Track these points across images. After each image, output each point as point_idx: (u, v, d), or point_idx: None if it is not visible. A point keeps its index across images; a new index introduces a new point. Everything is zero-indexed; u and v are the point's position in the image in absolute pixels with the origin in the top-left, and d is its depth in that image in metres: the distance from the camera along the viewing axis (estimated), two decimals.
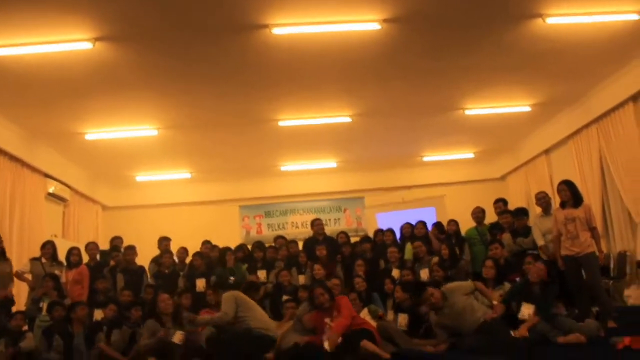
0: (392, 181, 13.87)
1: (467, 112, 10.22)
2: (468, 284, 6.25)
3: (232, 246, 8.99)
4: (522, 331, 5.54)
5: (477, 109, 10.15)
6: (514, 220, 7.75)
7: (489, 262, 6.76)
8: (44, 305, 7.10)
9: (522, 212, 7.89)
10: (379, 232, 9.12)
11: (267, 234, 13.24)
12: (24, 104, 8.39)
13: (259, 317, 5.87)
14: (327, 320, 5.97)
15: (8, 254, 7.81)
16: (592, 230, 6.55)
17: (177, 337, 5.89)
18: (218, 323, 5.62)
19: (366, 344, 5.57)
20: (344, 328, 5.78)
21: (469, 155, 13.34)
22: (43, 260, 7.93)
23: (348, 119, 9.99)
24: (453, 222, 8.71)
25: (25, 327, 6.89)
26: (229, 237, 9.97)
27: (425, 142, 12.27)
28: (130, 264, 8.36)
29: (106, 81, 7.80)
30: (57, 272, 7.78)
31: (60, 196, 10.92)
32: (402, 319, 6.66)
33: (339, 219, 13.71)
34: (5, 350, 6.20)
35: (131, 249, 8.47)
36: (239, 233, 13.42)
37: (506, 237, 7.58)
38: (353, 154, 12.47)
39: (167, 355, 5.69)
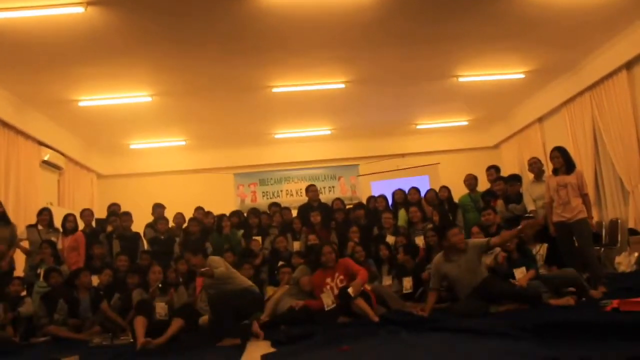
0: (386, 149, 13.91)
1: (461, 79, 10.22)
2: (483, 240, 6.04)
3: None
4: (521, 281, 5.79)
5: (471, 76, 10.15)
6: (506, 186, 7.81)
7: (475, 229, 6.85)
8: (41, 271, 7.14)
9: (514, 179, 7.92)
10: (371, 198, 9.22)
11: (262, 202, 13.17)
12: (16, 69, 8.32)
13: (244, 278, 5.94)
14: (328, 280, 6.22)
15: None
16: (584, 196, 6.61)
17: (160, 308, 5.88)
18: (220, 277, 5.68)
19: (360, 302, 5.71)
20: (365, 280, 6.04)
21: (463, 123, 13.38)
22: (39, 227, 7.98)
23: (342, 86, 9.98)
24: (445, 189, 8.78)
25: (24, 293, 6.98)
26: (223, 205, 9.99)
27: (419, 110, 12.30)
28: (126, 231, 8.40)
29: (99, 47, 7.74)
30: (53, 238, 7.83)
31: (55, 164, 10.92)
32: (407, 282, 6.80)
33: (333, 187, 13.74)
34: (4, 315, 6.27)
35: (127, 215, 8.50)
36: (234, 201, 13.43)
37: (499, 203, 7.65)
38: (347, 121, 12.49)
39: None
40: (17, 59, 7.95)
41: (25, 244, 7.90)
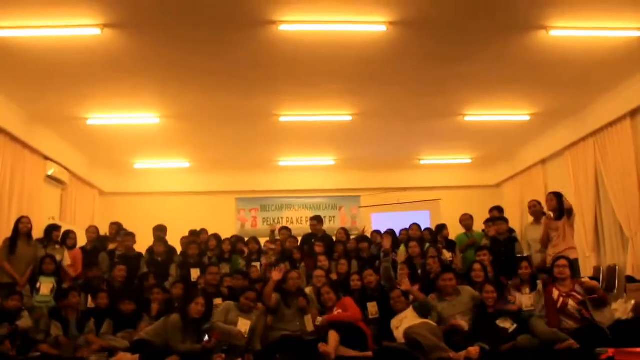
0: (388, 182, 13.92)
1: (467, 118, 10.29)
2: (477, 295, 6.31)
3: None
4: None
5: (477, 115, 10.23)
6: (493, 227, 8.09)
7: (477, 266, 6.87)
8: (40, 285, 7.15)
9: (500, 219, 8.21)
10: (376, 234, 9.20)
11: (262, 228, 13.33)
12: (28, 86, 8.42)
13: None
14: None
15: (5, 233, 7.86)
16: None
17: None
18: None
19: (322, 346, 5.62)
20: (345, 318, 6.07)
21: (466, 160, 13.41)
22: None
23: (348, 118, 10.06)
24: (445, 227, 8.86)
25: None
26: (224, 228, 9.99)
27: (423, 145, 12.35)
28: (129, 251, 8.40)
29: (111, 68, 7.84)
30: (58, 255, 7.69)
31: (59, 179, 10.96)
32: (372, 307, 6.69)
33: (334, 216, 13.75)
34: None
35: (131, 236, 8.53)
36: (234, 225, 13.45)
37: None
38: (351, 152, 12.54)
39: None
40: (30, 76, 8.04)
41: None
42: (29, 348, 6.34)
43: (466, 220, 8.72)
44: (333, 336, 5.69)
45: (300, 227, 11.81)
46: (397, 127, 10.86)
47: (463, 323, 5.93)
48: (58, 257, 7.60)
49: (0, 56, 7.36)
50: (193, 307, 5.84)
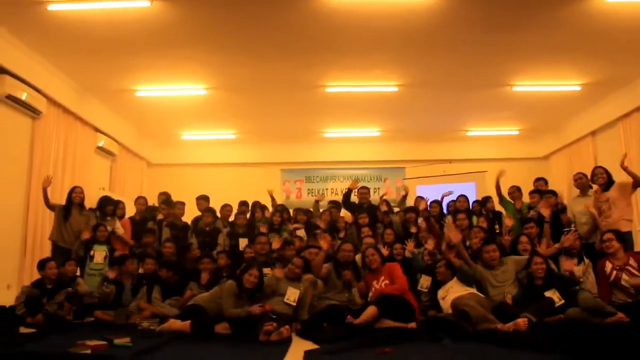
0: (434, 153, 13.84)
1: (515, 88, 10.12)
2: (524, 258, 6.23)
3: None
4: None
5: (525, 85, 10.05)
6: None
7: (523, 238, 6.75)
8: (94, 252, 7.39)
9: (550, 192, 8.04)
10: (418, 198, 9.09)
11: (307, 199, 13.41)
12: (79, 58, 8.60)
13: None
14: (374, 283, 6.29)
15: (59, 202, 8.08)
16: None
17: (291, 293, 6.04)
18: None
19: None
20: (392, 291, 6.04)
21: (514, 132, 13.24)
22: (97, 213, 8.04)
23: (395, 89, 10.00)
24: (490, 199, 8.79)
25: (77, 272, 7.20)
26: (269, 199, 10.05)
27: (470, 117, 12.23)
28: (177, 220, 8.54)
29: (160, 39, 7.94)
30: (109, 226, 7.82)
31: (109, 150, 11.23)
32: (425, 280, 6.65)
33: (379, 188, 13.67)
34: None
35: (181, 204, 8.66)
36: (279, 196, 13.42)
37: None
38: (397, 123, 12.49)
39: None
40: (82, 49, 8.20)
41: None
42: (84, 314, 6.60)
43: (513, 192, 8.60)
44: (370, 310, 5.68)
45: None
46: (444, 98, 10.76)
47: (509, 297, 5.87)
48: (109, 227, 7.77)
49: (53, 29, 7.54)
50: (246, 277, 5.87)
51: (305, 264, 6.32)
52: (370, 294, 6.27)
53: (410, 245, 7.29)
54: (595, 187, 7.52)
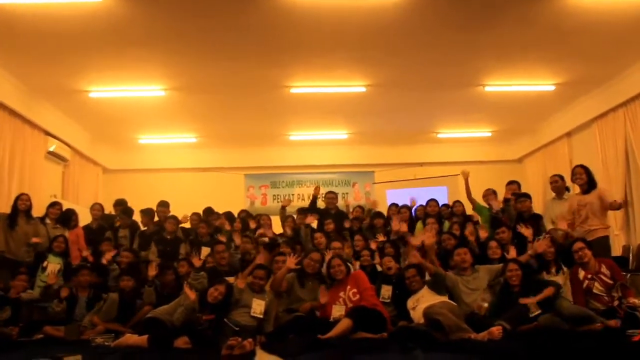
0: (404, 157, 13.65)
1: (487, 88, 9.86)
2: (497, 267, 6.18)
3: None
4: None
5: (498, 85, 9.78)
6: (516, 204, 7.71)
7: (493, 243, 6.65)
8: (47, 264, 7.15)
9: (523, 196, 7.80)
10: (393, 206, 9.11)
11: (272, 205, 13.15)
12: (26, 57, 8.13)
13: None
14: (340, 294, 6.05)
15: (5, 211, 7.77)
16: (611, 204, 6.90)
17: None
18: None
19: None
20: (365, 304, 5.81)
21: (486, 134, 13.09)
22: (47, 220, 7.86)
23: (362, 89, 9.69)
24: (459, 203, 8.68)
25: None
26: (232, 206, 9.71)
27: (441, 118, 11.99)
28: (169, 234, 8.22)
29: (114, 38, 7.53)
30: (59, 234, 7.65)
31: (61, 155, 10.70)
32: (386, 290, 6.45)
33: (347, 193, 13.44)
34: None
35: (174, 219, 8.39)
36: (243, 202, 13.17)
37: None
38: (365, 125, 12.20)
39: None
40: (29, 46, 7.74)
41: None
42: (32, 330, 6.21)
43: (488, 195, 8.34)
44: (344, 323, 5.38)
45: None
46: (414, 98, 10.50)
47: (485, 305, 5.74)
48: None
49: None
50: (211, 291, 5.67)
51: (267, 275, 6.20)
52: (339, 307, 5.97)
53: (380, 237, 7.47)
54: (575, 188, 7.38)
